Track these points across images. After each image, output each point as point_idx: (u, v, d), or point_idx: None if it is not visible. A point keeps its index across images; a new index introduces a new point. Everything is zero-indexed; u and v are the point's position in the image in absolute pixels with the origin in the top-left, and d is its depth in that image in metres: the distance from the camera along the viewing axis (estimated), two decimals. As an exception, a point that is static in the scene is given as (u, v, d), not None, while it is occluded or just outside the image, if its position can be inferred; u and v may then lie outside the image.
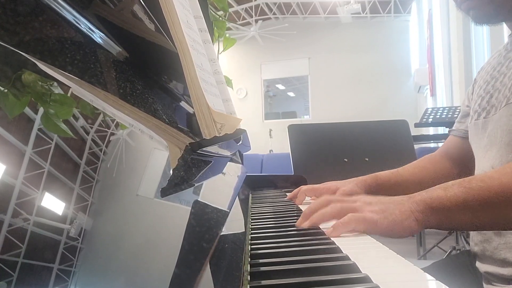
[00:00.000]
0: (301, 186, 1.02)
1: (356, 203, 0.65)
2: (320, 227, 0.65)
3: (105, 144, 0.35)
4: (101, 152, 0.34)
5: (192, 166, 0.51)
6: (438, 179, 0.95)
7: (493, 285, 0.84)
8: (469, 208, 0.61)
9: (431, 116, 3.33)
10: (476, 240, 0.90)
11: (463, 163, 1.05)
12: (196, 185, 0.50)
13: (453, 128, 1.11)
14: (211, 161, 0.66)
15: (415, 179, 1.06)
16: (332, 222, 0.63)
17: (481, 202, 0.61)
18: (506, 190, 0.60)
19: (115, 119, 0.39)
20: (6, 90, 0.27)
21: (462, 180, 0.64)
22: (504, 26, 0.91)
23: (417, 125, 3.33)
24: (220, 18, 1.37)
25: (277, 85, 11.52)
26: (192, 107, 0.57)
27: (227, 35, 1.42)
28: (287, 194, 1.08)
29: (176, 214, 0.43)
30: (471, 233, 0.93)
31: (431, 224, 0.63)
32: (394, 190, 1.02)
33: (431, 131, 5.17)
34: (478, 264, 0.91)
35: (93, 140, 0.33)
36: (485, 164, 0.86)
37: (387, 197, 0.67)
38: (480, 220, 0.62)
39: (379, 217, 0.62)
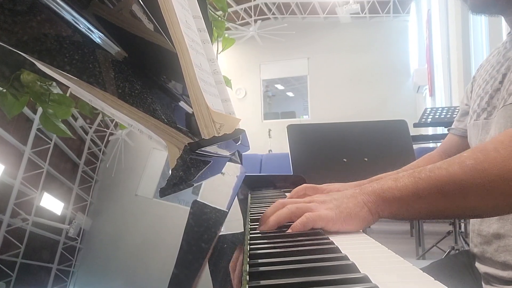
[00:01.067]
0: (304, 184, 1.02)
1: (311, 203, 0.66)
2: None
3: (104, 144, 0.35)
4: (100, 152, 0.34)
5: (191, 166, 0.51)
6: None
7: (492, 285, 0.84)
8: (420, 197, 0.62)
9: (430, 116, 3.33)
10: (475, 241, 0.90)
11: None
12: (195, 185, 0.50)
13: (452, 126, 1.11)
14: (210, 161, 0.66)
15: None
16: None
17: (431, 192, 0.62)
18: (454, 179, 0.61)
19: (114, 119, 0.39)
20: (4, 90, 0.27)
21: (413, 171, 0.65)
22: (503, 24, 0.91)
23: (416, 125, 3.33)
24: (219, 18, 1.37)
25: (276, 85, 11.52)
26: (191, 107, 0.57)
27: (226, 35, 1.42)
28: (286, 194, 1.08)
29: (175, 214, 0.43)
30: (471, 234, 0.93)
31: (385, 214, 0.64)
32: None
33: (430, 131, 5.18)
34: (477, 264, 0.91)
35: (92, 140, 0.33)
36: None
37: (339, 192, 0.69)
38: (434, 209, 0.63)
39: (335, 212, 0.63)
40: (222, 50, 1.41)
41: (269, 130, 8.78)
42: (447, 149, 1.12)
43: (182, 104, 0.72)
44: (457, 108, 3.17)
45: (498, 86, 0.87)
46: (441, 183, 0.61)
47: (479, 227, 0.88)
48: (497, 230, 0.82)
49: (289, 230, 0.62)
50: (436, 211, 0.63)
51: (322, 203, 0.66)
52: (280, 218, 0.65)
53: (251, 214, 0.83)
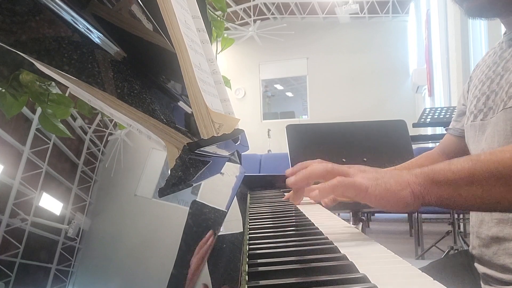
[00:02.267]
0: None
1: (350, 169, 0.61)
2: (319, 228, 0.65)
3: (103, 144, 0.35)
4: (99, 152, 0.34)
5: (190, 166, 0.51)
6: None
7: (491, 285, 0.84)
8: (476, 181, 0.56)
9: (429, 116, 3.34)
10: (474, 244, 0.90)
11: None
12: (194, 185, 0.50)
13: (450, 126, 1.11)
14: (209, 161, 0.66)
15: None
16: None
17: (490, 175, 0.55)
18: None
19: (113, 119, 0.39)
20: (3, 90, 0.27)
21: (469, 155, 0.59)
22: (502, 24, 0.90)
23: (415, 125, 3.34)
24: (219, 18, 1.37)
25: (275, 85, 11.53)
26: (190, 107, 0.57)
27: (225, 35, 1.42)
28: (285, 194, 1.08)
29: (174, 214, 0.43)
30: (471, 237, 0.93)
31: (431, 199, 0.58)
32: None
33: (429, 131, 5.18)
34: (476, 265, 0.91)
35: (91, 140, 0.33)
36: None
37: (383, 169, 0.63)
38: (490, 197, 0.56)
39: (371, 183, 0.58)
40: (221, 50, 1.41)
41: (268, 130, 8.78)
42: (445, 148, 1.11)
43: (181, 104, 0.72)
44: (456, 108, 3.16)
45: (494, 87, 0.86)
46: (503, 167, 0.55)
47: (478, 230, 0.88)
48: (496, 234, 0.82)
49: (316, 192, 0.57)
50: (492, 199, 0.56)
51: (361, 171, 0.61)
52: (312, 174, 0.60)
53: (250, 214, 0.83)
